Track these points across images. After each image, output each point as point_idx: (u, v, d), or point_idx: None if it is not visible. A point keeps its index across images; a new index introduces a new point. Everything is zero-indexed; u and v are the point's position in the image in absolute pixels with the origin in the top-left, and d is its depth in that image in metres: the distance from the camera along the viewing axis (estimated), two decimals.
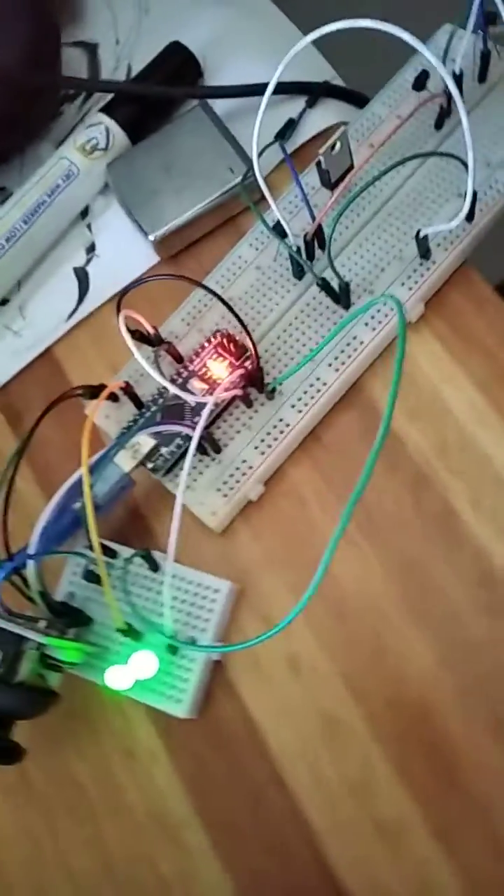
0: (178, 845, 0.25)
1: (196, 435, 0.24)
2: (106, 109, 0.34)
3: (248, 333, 0.25)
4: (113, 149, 0.33)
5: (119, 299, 0.26)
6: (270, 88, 0.24)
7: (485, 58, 0.30)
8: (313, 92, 0.33)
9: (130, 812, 0.25)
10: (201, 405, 0.28)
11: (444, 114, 0.30)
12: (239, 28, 0.36)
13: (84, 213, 0.34)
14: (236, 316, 0.26)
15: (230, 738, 0.25)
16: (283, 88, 0.33)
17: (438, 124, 0.30)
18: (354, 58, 0.37)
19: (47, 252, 0.34)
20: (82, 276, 0.33)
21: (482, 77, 0.30)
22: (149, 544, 0.28)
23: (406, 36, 0.21)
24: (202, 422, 0.25)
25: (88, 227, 0.34)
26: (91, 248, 0.34)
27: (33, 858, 0.26)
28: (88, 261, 0.34)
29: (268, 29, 0.36)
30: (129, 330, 0.28)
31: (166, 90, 0.33)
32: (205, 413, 0.25)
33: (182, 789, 0.25)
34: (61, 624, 0.25)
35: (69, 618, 0.26)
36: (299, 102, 0.34)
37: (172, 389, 0.25)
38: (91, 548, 0.25)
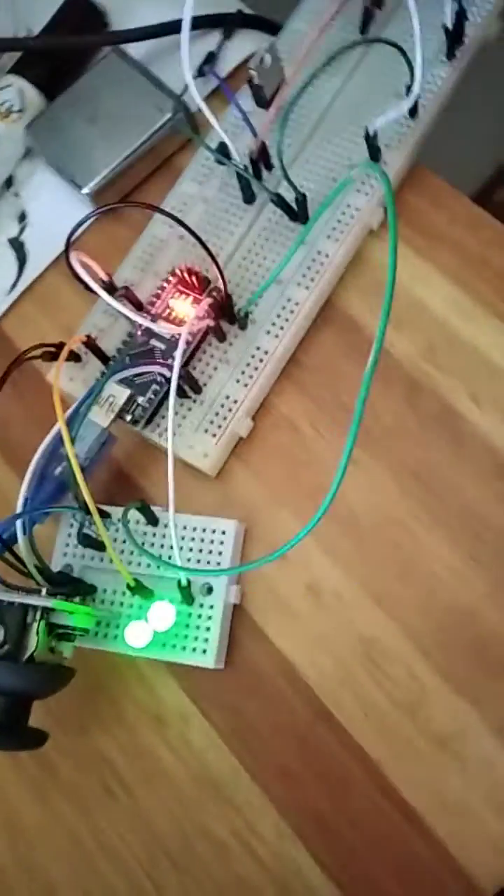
0: (229, 804, 0.23)
1: (176, 367, 0.23)
2: (15, 70, 0.32)
3: (213, 257, 0.24)
4: (29, 109, 0.31)
5: (67, 243, 0.25)
6: (188, 17, 0.23)
7: None
8: (228, 23, 0.32)
9: (170, 780, 0.24)
10: (172, 346, 0.26)
11: (369, 16, 0.29)
12: None
13: (8, 182, 0.32)
14: (198, 238, 0.24)
15: (264, 682, 0.24)
16: (197, 23, 0.32)
17: (363, 28, 0.29)
18: None
19: None
20: (17, 247, 0.31)
21: None
22: (137, 499, 0.26)
23: None
24: (179, 354, 0.23)
25: (16, 195, 0.32)
26: (22, 217, 0.32)
27: (73, 850, 0.24)
28: (22, 230, 0.32)
29: None
30: (80, 280, 0.26)
31: (77, 40, 0.32)
32: (181, 346, 0.23)
33: (222, 745, 0.24)
34: (62, 592, 0.23)
35: (70, 587, 0.24)
36: (215, 36, 0.33)
37: (144, 322, 0.23)
38: (81, 508, 0.23)
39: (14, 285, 0.31)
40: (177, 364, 0.23)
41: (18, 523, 0.22)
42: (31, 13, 0.35)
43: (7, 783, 0.25)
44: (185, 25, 0.23)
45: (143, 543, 0.25)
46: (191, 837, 0.23)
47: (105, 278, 0.26)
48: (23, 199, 0.32)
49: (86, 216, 0.24)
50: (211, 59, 0.32)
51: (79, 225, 0.24)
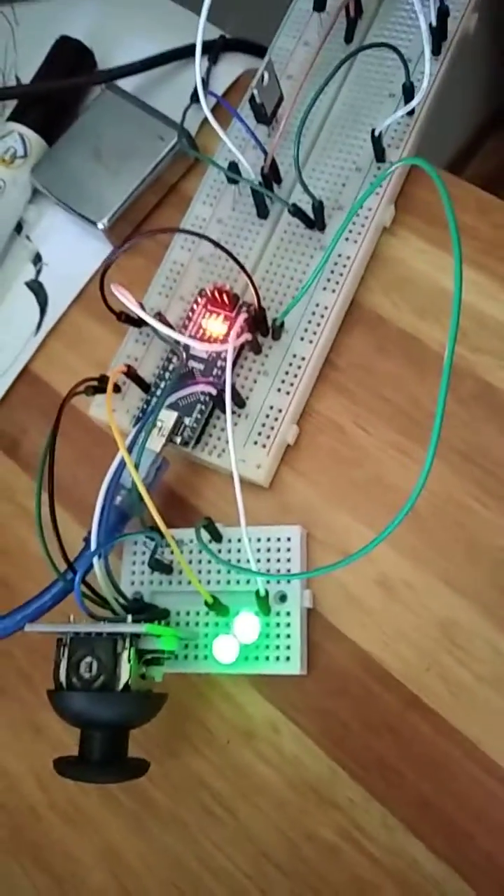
0: (333, 806, 0.23)
1: (228, 383, 0.23)
2: (14, 118, 0.32)
3: (246, 272, 0.24)
4: (32, 154, 0.32)
5: (101, 276, 0.25)
6: (200, 41, 0.24)
7: None
8: (213, 49, 0.33)
9: (270, 792, 0.24)
10: (211, 365, 0.27)
11: (352, 25, 0.30)
12: (114, 12, 0.36)
13: (18, 227, 0.33)
14: (231, 255, 0.24)
15: (348, 680, 0.24)
16: (183, 52, 0.33)
17: (348, 37, 0.30)
18: (232, 16, 0.37)
19: None
20: (37, 288, 0.32)
21: None
22: (194, 520, 0.27)
23: None
24: (229, 369, 0.23)
25: (28, 238, 0.33)
26: (37, 259, 0.32)
27: (180, 877, 0.24)
28: (38, 271, 0.32)
29: (140, 5, 0.36)
30: (114, 313, 0.27)
31: (71, 81, 0.32)
32: (229, 361, 0.24)
33: (316, 749, 0.24)
34: (142, 619, 0.23)
35: (147, 613, 0.24)
36: (202, 62, 0.33)
37: (189, 342, 0.24)
38: (153, 532, 0.24)
39: (39, 326, 0.31)
40: (228, 379, 0.23)
41: (95, 558, 0.22)
42: (20, 60, 0.36)
43: (104, 821, 0.25)
44: (198, 49, 0.24)
45: (210, 561, 0.25)
46: (298, 845, 0.23)
47: (135, 303, 0.26)
48: (35, 242, 0.33)
49: (114, 250, 0.25)
50: (201, 84, 0.33)
51: (110, 260, 0.25)
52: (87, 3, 0.36)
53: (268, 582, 0.24)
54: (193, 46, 0.33)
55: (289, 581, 0.24)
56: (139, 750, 0.23)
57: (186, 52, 0.33)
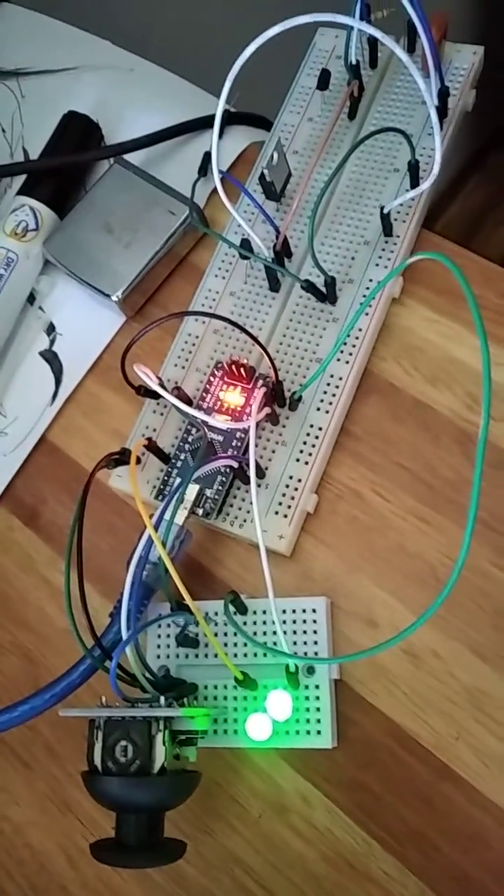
0: (367, 879, 0.23)
1: (252, 458, 0.24)
2: (24, 192, 0.33)
3: (264, 348, 0.25)
4: (43, 227, 0.33)
5: (123, 357, 0.26)
6: (220, 112, 0.25)
7: (372, 45, 0.31)
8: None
9: (304, 866, 0.24)
10: (230, 437, 0.27)
11: (356, 102, 0.31)
12: (117, 85, 0.37)
13: (31, 298, 0.33)
14: (250, 334, 0.25)
15: (378, 751, 0.24)
16: (188, 127, 0.34)
17: (352, 114, 0.31)
18: (234, 89, 0.39)
19: (6, 346, 0.33)
20: (51, 358, 0.32)
21: (373, 63, 0.32)
22: (220, 590, 0.27)
23: (341, 18, 0.22)
24: (252, 446, 0.24)
25: (41, 308, 0.33)
26: (51, 329, 0.33)
27: None
28: (52, 341, 0.33)
29: (143, 79, 0.37)
30: (133, 387, 0.27)
31: (83, 156, 0.33)
32: (252, 436, 0.24)
33: (348, 821, 0.24)
34: (172, 697, 0.23)
35: (175, 690, 0.24)
36: (207, 137, 0.34)
37: (212, 422, 0.24)
38: (177, 609, 0.24)
39: (55, 396, 0.31)
40: (252, 457, 0.24)
41: (125, 634, 0.22)
42: (27, 132, 0.37)
43: None
44: (217, 121, 0.24)
45: (236, 633, 0.25)
46: None
47: (156, 380, 0.27)
48: (48, 312, 0.33)
49: (141, 331, 0.25)
50: (208, 157, 0.33)
51: (135, 339, 0.25)
52: (91, 77, 0.37)
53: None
54: (200, 120, 0.34)
55: (317, 654, 0.24)
56: (170, 825, 0.23)
57: (194, 126, 0.34)
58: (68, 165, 0.33)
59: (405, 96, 0.31)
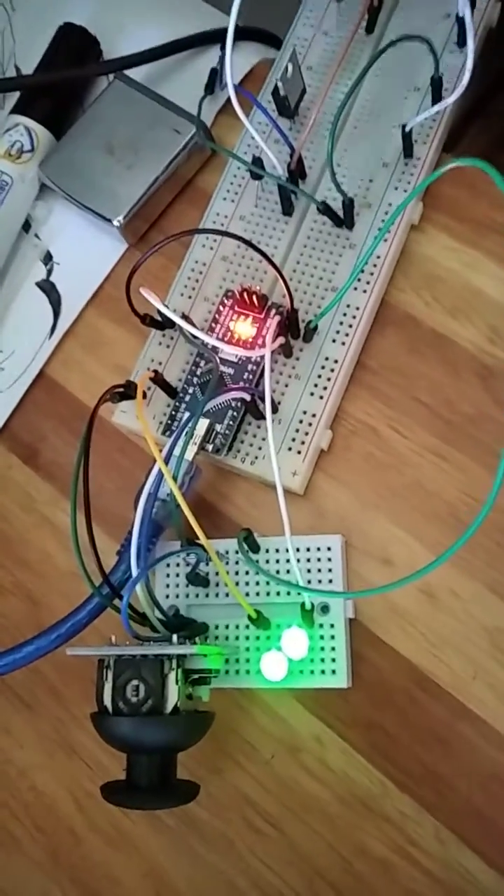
0: (383, 819, 0.23)
1: (267, 390, 0.22)
2: (18, 110, 0.31)
3: (280, 273, 0.24)
4: (39, 148, 0.31)
5: (128, 281, 0.24)
6: (234, 16, 0.23)
7: None
8: (224, 38, 0.32)
9: (318, 807, 0.23)
10: (241, 369, 0.26)
11: (374, 15, 0.29)
12: None
13: (26, 226, 0.31)
14: (261, 252, 0.23)
15: (394, 691, 0.23)
16: (194, 41, 0.32)
17: (370, 28, 0.29)
18: (244, 4, 0.36)
19: (1, 277, 0.31)
20: (49, 289, 0.31)
21: None
22: (229, 529, 0.26)
23: None
24: (268, 376, 0.23)
25: (37, 236, 0.31)
26: (48, 258, 0.31)
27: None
28: (49, 271, 0.31)
29: None
30: (139, 316, 0.26)
31: (81, 71, 0.31)
32: (267, 367, 0.23)
33: (364, 763, 0.23)
34: (184, 636, 0.22)
35: (187, 629, 0.23)
36: (213, 53, 0.32)
37: (221, 346, 0.23)
38: (189, 544, 0.23)
39: (53, 329, 0.30)
40: (268, 388, 0.23)
41: (136, 571, 0.21)
42: (19, 48, 0.35)
43: (148, 843, 0.24)
44: (230, 29, 0.23)
45: (248, 572, 0.24)
46: (350, 860, 0.23)
47: (165, 305, 0.25)
48: (45, 240, 0.31)
49: (143, 256, 0.24)
50: (213, 75, 0.31)
51: (138, 264, 0.24)
52: None
53: None
54: (207, 34, 0.32)
55: (348, 597, 0.23)
56: (180, 767, 0.23)
57: (200, 40, 0.32)
58: (65, 81, 0.31)
59: (427, 9, 0.29)
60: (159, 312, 0.25)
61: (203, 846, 0.24)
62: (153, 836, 0.24)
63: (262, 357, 0.25)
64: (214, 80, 0.31)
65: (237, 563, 0.25)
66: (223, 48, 0.32)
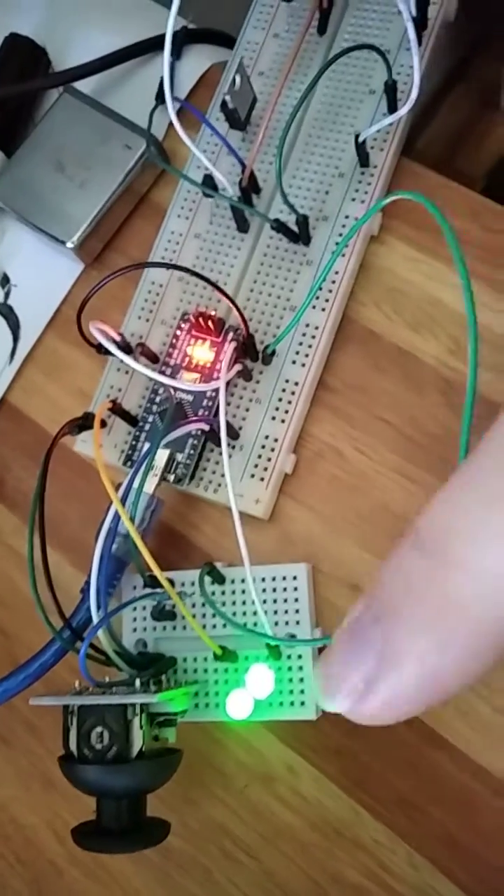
0: (357, 846, 0.23)
1: (222, 421, 0.22)
2: None
3: (232, 301, 0.23)
4: None
5: (79, 314, 0.24)
6: (170, 34, 0.22)
7: None
8: (175, 42, 0.31)
9: (293, 835, 0.23)
10: (200, 397, 0.25)
11: (326, 15, 0.28)
12: (64, 5, 0.33)
13: None
14: (211, 283, 0.23)
15: None
16: (143, 47, 0.31)
17: (322, 29, 0.28)
18: (193, 5, 0.35)
19: None
20: (7, 312, 0.30)
21: None
22: (197, 558, 0.26)
23: None
24: (223, 408, 0.22)
25: None
26: (5, 280, 0.30)
27: None
28: (7, 294, 0.30)
29: None
30: (92, 345, 0.25)
31: (28, 85, 0.30)
32: (221, 396, 0.22)
33: (335, 790, 0.23)
34: (148, 676, 0.22)
35: (153, 666, 0.23)
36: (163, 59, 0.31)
37: (175, 384, 0.23)
38: (150, 584, 0.23)
39: (13, 353, 0.29)
40: (222, 419, 0.22)
41: (96, 617, 0.21)
42: None
43: (126, 874, 0.24)
44: (168, 37, 0.22)
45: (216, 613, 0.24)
46: (325, 887, 0.23)
47: (118, 339, 0.25)
48: (1, 263, 0.31)
49: (99, 282, 0.23)
50: (169, 86, 0.30)
51: (90, 295, 0.23)
52: None
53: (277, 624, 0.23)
54: (155, 40, 0.31)
55: (298, 623, 0.23)
56: (154, 799, 0.23)
57: (148, 47, 0.31)
58: (12, 97, 0.30)
59: (381, 5, 0.28)
60: (116, 341, 0.25)
61: (181, 876, 0.24)
62: (132, 867, 0.24)
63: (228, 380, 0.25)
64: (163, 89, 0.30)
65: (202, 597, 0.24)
66: (174, 54, 0.31)
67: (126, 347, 0.25)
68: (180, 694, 0.21)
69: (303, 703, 0.23)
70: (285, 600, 0.24)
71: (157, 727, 0.21)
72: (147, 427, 0.26)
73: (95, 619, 0.21)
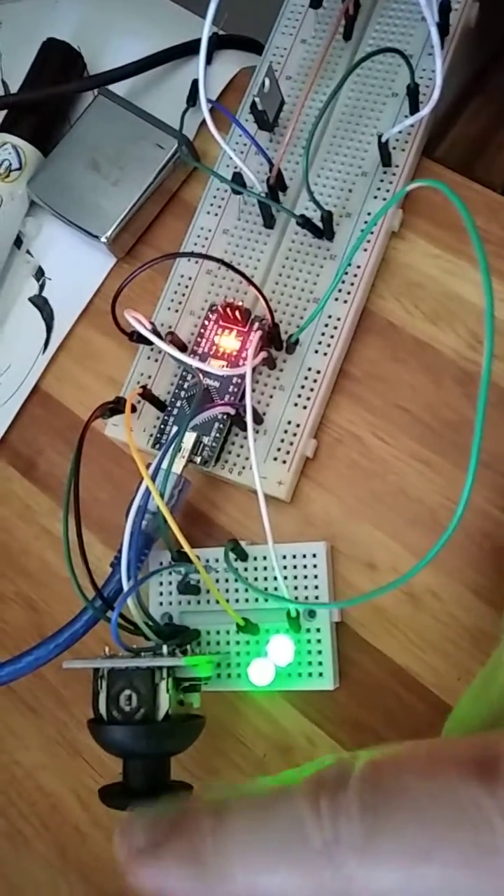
0: None
1: (248, 405, 0.23)
2: (5, 128, 0.32)
3: (260, 291, 0.24)
4: (27, 165, 0.31)
5: (113, 303, 0.25)
6: (207, 32, 0.23)
7: None
8: (206, 47, 0.32)
9: None
10: (226, 383, 0.26)
11: (351, 21, 0.29)
12: (97, 10, 0.35)
13: (17, 242, 0.32)
14: (241, 273, 0.24)
15: (381, 692, 0.24)
16: (175, 52, 0.32)
17: (347, 35, 0.29)
18: (223, 12, 0.36)
19: None
20: (41, 304, 0.31)
21: None
22: (220, 537, 0.27)
23: None
24: (248, 393, 0.23)
25: (28, 252, 0.32)
26: (40, 274, 0.32)
27: None
28: (42, 287, 0.32)
29: (127, 1, 0.35)
30: (125, 333, 0.26)
31: (65, 88, 0.31)
32: (248, 379, 0.24)
33: None
34: (175, 644, 0.23)
35: (179, 637, 0.24)
36: (195, 63, 0.32)
37: (204, 368, 0.24)
38: (177, 559, 0.24)
39: (47, 343, 0.31)
40: (248, 404, 0.23)
41: (126, 585, 0.22)
42: (5, 64, 0.35)
43: None
44: (203, 44, 0.23)
45: (237, 580, 0.25)
46: None
47: (149, 327, 0.26)
48: (36, 256, 0.32)
49: (128, 276, 0.24)
50: (196, 86, 0.32)
51: (124, 284, 0.25)
52: (69, 2, 0.35)
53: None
54: (187, 46, 0.32)
55: (317, 598, 0.24)
56: (177, 766, 0.24)
57: (180, 52, 0.32)
58: (50, 99, 0.32)
59: (404, 12, 0.29)
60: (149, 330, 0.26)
61: None
62: None
63: (255, 366, 0.26)
64: (196, 91, 0.31)
65: (227, 570, 0.25)
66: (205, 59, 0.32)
67: (157, 336, 0.26)
68: (205, 661, 0.22)
69: (321, 675, 0.24)
70: (305, 576, 0.25)
71: (183, 692, 0.22)
72: (175, 412, 0.27)
73: (126, 588, 0.22)
